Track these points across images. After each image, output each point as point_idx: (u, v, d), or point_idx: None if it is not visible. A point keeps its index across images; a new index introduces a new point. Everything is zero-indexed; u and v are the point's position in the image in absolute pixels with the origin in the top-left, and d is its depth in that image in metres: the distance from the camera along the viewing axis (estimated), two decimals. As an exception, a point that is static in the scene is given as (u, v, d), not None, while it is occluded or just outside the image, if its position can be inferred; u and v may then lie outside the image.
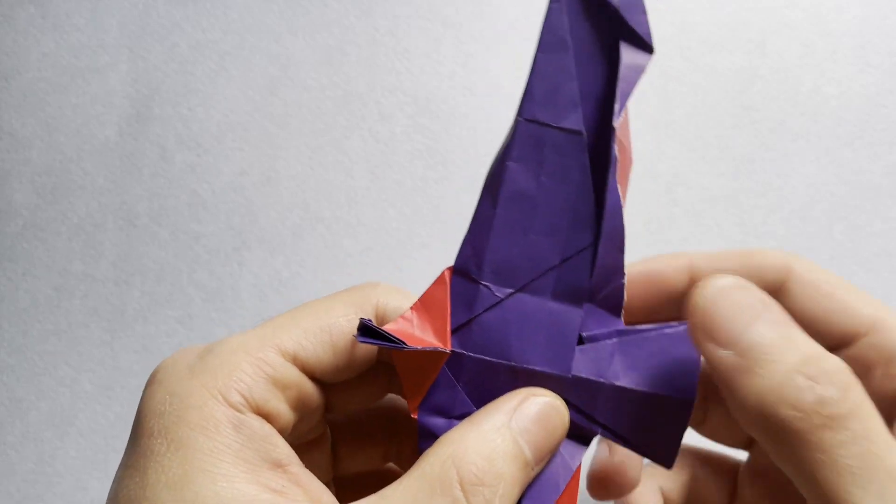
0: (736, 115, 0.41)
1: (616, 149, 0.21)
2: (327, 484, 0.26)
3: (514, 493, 0.19)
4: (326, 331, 0.22)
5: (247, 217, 0.42)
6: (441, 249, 0.41)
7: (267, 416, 0.20)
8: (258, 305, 0.41)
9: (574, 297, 0.22)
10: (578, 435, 0.22)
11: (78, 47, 0.44)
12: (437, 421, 0.22)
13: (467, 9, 0.43)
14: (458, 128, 0.42)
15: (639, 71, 0.21)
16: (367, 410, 0.27)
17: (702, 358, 0.20)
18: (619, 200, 0.21)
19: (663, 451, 0.21)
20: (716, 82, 0.42)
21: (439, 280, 0.22)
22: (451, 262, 0.23)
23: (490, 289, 0.22)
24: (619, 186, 0.21)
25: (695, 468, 0.27)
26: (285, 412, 0.21)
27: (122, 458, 0.20)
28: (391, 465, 0.28)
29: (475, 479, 0.19)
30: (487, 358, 0.22)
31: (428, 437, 0.22)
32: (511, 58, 0.43)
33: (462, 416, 0.22)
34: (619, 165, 0.21)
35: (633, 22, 0.21)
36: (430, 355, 0.21)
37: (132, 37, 0.44)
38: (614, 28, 0.21)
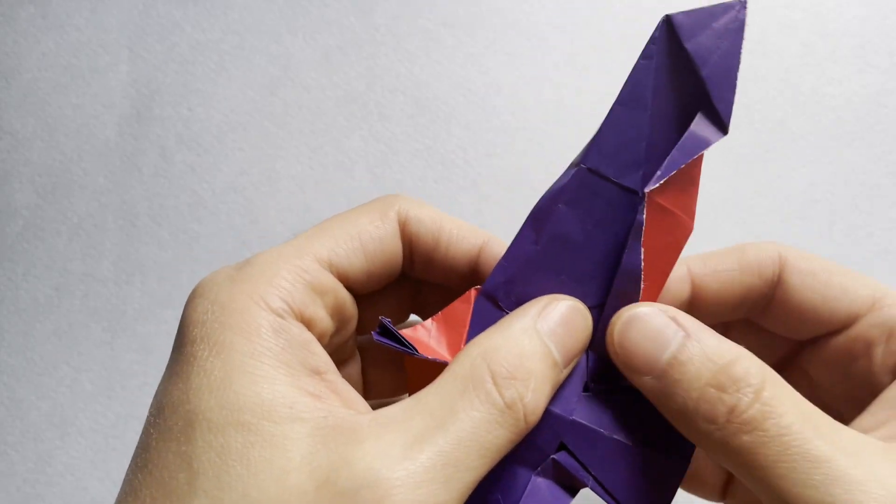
0: (736, 114, 0.41)
1: (644, 214, 0.21)
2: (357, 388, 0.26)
3: (546, 390, 0.20)
4: (356, 237, 0.22)
5: (247, 217, 0.42)
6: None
7: (307, 322, 0.21)
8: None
9: (590, 344, 0.22)
10: (567, 484, 0.22)
11: (78, 47, 0.44)
12: None
13: (467, 9, 0.43)
14: (458, 128, 0.42)
15: (702, 146, 0.21)
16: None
17: None
18: (636, 264, 0.21)
19: None
20: (716, 82, 0.42)
21: (464, 298, 0.23)
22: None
23: None
24: (642, 249, 0.21)
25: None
26: (324, 318, 0.21)
27: (166, 368, 0.20)
28: None
29: (507, 374, 0.19)
30: None
31: None
32: (511, 58, 0.43)
33: None
34: (656, 232, 0.21)
35: (717, 98, 0.21)
36: (438, 365, 0.22)
37: (132, 37, 0.44)
38: (698, 97, 0.21)
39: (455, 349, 0.22)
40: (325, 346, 0.22)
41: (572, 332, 0.21)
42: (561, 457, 0.22)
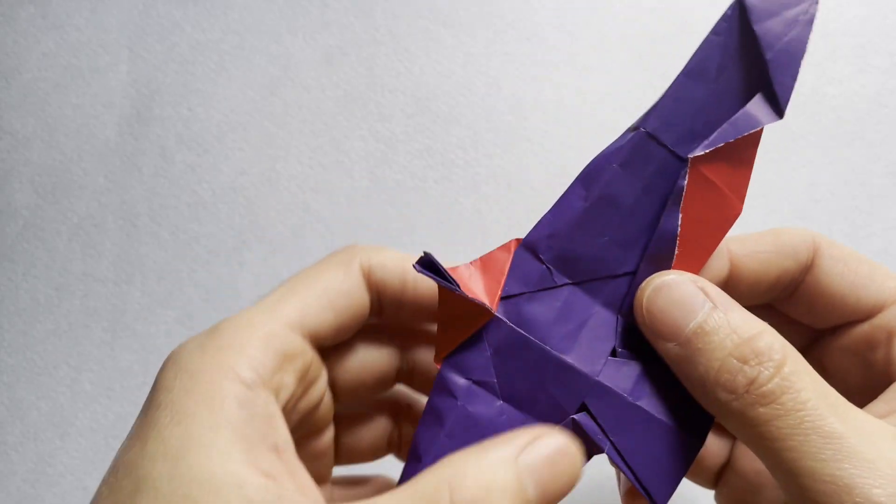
0: (736, 115, 0.41)
1: (686, 180, 0.21)
2: (324, 480, 0.26)
3: None
4: (324, 295, 0.22)
5: (247, 217, 0.42)
6: (441, 249, 0.41)
7: (275, 390, 0.20)
8: (258, 305, 0.41)
9: (620, 309, 0.22)
10: (585, 446, 0.22)
11: (78, 47, 0.44)
12: (457, 379, 0.22)
13: (467, 9, 0.43)
14: (458, 128, 0.42)
15: (755, 125, 0.21)
16: (370, 400, 0.27)
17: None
18: (671, 229, 0.22)
19: (658, 485, 0.21)
20: (716, 82, 0.42)
21: (505, 247, 0.23)
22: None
23: (552, 272, 0.22)
24: (680, 216, 0.22)
25: None
26: (291, 384, 0.21)
27: (131, 428, 0.20)
28: (384, 476, 0.28)
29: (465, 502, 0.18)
30: (526, 334, 0.22)
31: (441, 392, 0.22)
32: (511, 58, 0.43)
33: (480, 384, 0.22)
34: (700, 204, 0.22)
35: (778, 82, 0.21)
36: (475, 309, 0.22)
37: (132, 37, 0.44)
38: (760, 78, 0.21)
39: (492, 295, 0.22)
40: (291, 413, 0.22)
41: (556, 474, 0.20)
42: (581, 417, 0.22)
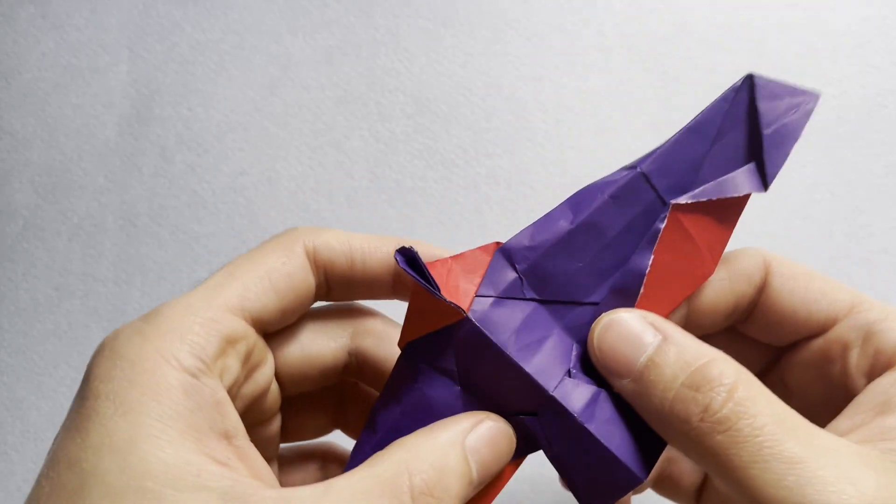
0: (736, 115, 0.41)
1: (664, 223, 0.23)
2: (272, 458, 0.26)
3: None
4: (265, 277, 0.22)
5: (247, 217, 0.42)
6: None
7: (219, 375, 0.20)
8: (258, 305, 0.41)
9: (577, 336, 0.23)
10: (522, 444, 0.23)
11: (78, 47, 0.44)
12: (419, 363, 0.23)
13: (467, 9, 0.43)
14: (458, 128, 0.42)
15: (738, 191, 0.23)
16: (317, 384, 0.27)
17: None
18: (641, 269, 0.23)
19: (592, 500, 0.22)
20: (716, 82, 0.42)
21: (485, 248, 0.23)
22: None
23: (522, 283, 0.23)
24: (651, 257, 0.23)
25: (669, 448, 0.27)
26: (235, 368, 0.21)
27: (65, 420, 0.19)
28: (333, 444, 0.29)
29: (425, 489, 0.19)
30: (490, 337, 0.22)
31: (402, 372, 0.23)
32: (511, 58, 0.43)
33: (441, 370, 0.23)
34: (673, 252, 0.23)
35: (769, 157, 0.23)
36: (447, 309, 0.22)
37: (132, 37, 0.44)
38: (753, 150, 0.23)
39: (467, 296, 0.23)
40: (236, 399, 0.21)
41: (495, 454, 0.21)
42: (529, 420, 0.23)
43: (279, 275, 0.22)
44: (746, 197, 0.23)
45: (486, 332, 0.22)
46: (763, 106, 0.23)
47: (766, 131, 0.23)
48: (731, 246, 0.25)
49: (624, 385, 0.21)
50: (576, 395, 0.22)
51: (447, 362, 0.23)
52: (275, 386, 0.24)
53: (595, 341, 0.22)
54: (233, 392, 0.21)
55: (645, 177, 0.23)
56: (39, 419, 0.42)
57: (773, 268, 0.25)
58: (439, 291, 0.22)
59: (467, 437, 0.21)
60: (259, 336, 0.22)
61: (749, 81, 0.23)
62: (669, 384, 0.20)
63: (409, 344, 0.23)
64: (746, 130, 0.23)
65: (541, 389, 0.22)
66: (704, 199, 0.23)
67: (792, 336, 0.25)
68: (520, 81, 0.42)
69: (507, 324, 0.23)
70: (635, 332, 0.21)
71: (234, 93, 0.43)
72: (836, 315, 0.24)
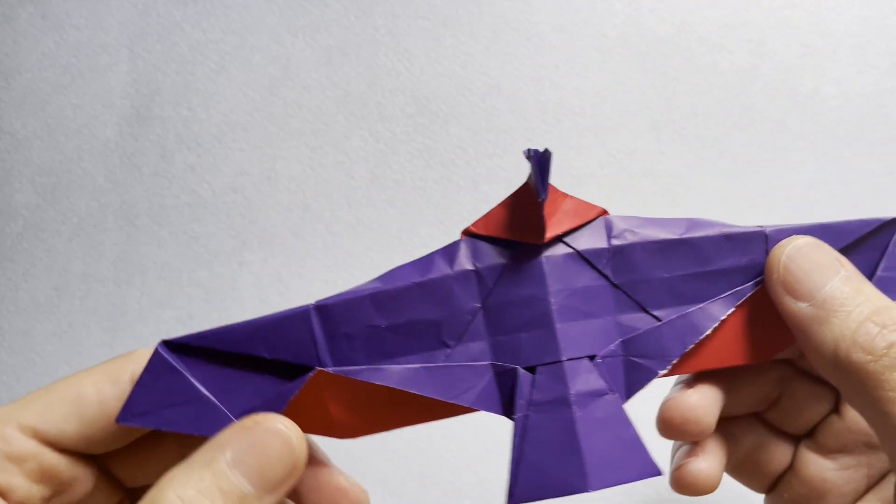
0: (736, 115, 0.41)
1: (752, 291, 0.23)
2: None
3: None
4: (72, 401, 0.22)
5: (247, 217, 0.42)
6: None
7: (2, 491, 0.21)
8: (258, 305, 0.41)
9: (623, 335, 0.23)
10: (505, 398, 0.22)
11: (78, 47, 0.44)
12: (461, 256, 0.23)
13: (467, 9, 0.43)
14: (458, 128, 0.42)
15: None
16: None
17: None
18: (716, 316, 0.23)
19: (523, 488, 0.21)
20: (716, 82, 0.42)
21: (595, 207, 0.23)
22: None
23: (607, 257, 0.23)
24: (730, 311, 0.23)
25: (759, 432, 0.27)
26: (22, 485, 0.21)
27: None
28: None
29: None
30: (547, 279, 0.22)
31: (444, 255, 0.23)
32: (511, 58, 0.43)
33: (479, 278, 0.22)
34: (752, 321, 0.23)
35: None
36: (581, 209, 0.23)
37: (132, 37, 0.44)
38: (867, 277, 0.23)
39: (557, 228, 0.23)
40: None
41: (268, 458, 0.20)
42: (524, 374, 0.22)
43: (88, 402, 0.22)
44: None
45: (546, 272, 0.22)
46: (894, 249, 0.23)
47: (881, 272, 0.23)
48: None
49: (801, 309, 0.21)
50: (585, 378, 0.22)
51: (490, 274, 0.22)
52: (105, 496, 0.24)
53: (783, 258, 0.22)
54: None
55: (766, 238, 0.23)
56: (39, 419, 0.42)
57: None
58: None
59: (226, 451, 0.20)
60: (65, 456, 0.23)
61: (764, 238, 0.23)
62: (855, 315, 0.20)
63: (469, 235, 0.23)
64: (869, 259, 0.23)
65: (556, 351, 0.22)
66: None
67: None
68: (520, 81, 0.42)
69: (569, 280, 0.22)
70: (826, 261, 0.21)
71: (234, 93, 0.43)
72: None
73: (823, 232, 0.23)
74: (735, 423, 0.27)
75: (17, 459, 0.21)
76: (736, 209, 0.40)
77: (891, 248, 0.23)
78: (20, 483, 0.21)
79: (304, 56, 0.43)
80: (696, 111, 0.41)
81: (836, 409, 0.27)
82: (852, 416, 0.26)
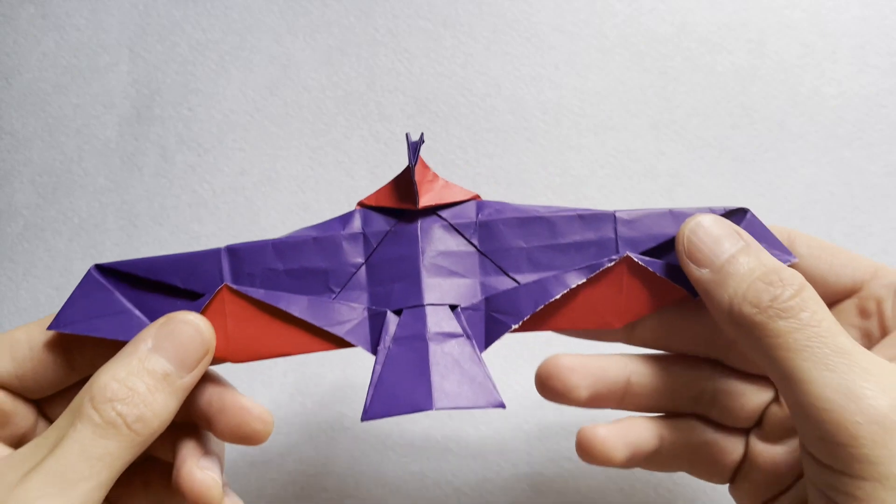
0: (735, 115, 0.41)
1: (609, 265, 0.26)
2: None
3: (158, 400, 0.23)
4: (5, 344, 0.26)
5: (247, 217, 0.42)
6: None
7: None
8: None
9: (486, 294, 0.27)
10: (375, 336, 0.26)
11: (78, 47, 0.44)
12: (354, 225, 0.27)
13: (467, 9, 0.43)
14: (458, 128, 0.42)
15: (679, 283, 0.27)
16: None
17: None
18: (567, 283, 0.26)
19: (377, 408, 0.24)
20: (715, 82, 0.42)
21: (468, 192, 0.28)
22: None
23: (474, 229, 0.27)
24: (582, 280, 0.26)
25: (706, 432, 0.29)
26: None
27: None
28: None
29: (105, 398, 0.22)
30: (419, 240, 0.26)
31: (339, 221, 0.27)
32: (511, 58, 0.43)
33: (365, 240, 0.27)
34: (600, 291, 0.27)
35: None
36: (458, 193, 0.27)
37: (133, 37, 0.44)
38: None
39: (429, 202, 0.27)
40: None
41: (181, 343, 0.24)
42: (391, 315, 0.26)
43: (20, 345, 0.26)
44: (681, 296, 0.26)
45: (419, 235, 0.26)
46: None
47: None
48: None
49: (702, 274, 0.24)
50: (442, 321, 0.26)
51: (375, 237, 0.27)
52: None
53: (687, 232, 0.25)
54: None
55: (615, 219, 0.27)
56: (40, 419, 0.42)
57: (799, 239, 0.27)
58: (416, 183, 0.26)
59: (148, 341, 0.24)
60: (5, 393, 0.26)
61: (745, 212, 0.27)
62: (746, 276, 0.23)
63: (363, 208, 0.27)
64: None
65: (419, 296, 0.26)
66: (652, 270, 0.26)
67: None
68: (520, 81, 0.42)
69: (439, 244, 0.27)
70: (723, 233, 0.25)
71: (234, 93, 0.43)
72: (862, 279, 0.27)
73: (672, 216, 0.27)
74: (672, 422, 0.29)
75: None
76: (736, 209, 0.40)
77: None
78: None
79: (304, 56, 0.43)
80: (696, 111, 0.41)
81: (775, 399, 0.28)
82: None
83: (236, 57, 0.43)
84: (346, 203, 0.42)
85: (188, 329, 0.24)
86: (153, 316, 0.26)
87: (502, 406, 0.24)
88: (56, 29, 0.44)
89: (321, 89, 0.43)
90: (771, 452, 0.28)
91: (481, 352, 0.26)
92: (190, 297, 0.26)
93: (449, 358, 0.25)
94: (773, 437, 0.28)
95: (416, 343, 0.25)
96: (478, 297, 0.26)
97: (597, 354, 0.28)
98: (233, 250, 0.26)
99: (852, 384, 0.21)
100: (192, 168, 0.42)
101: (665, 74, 0.42)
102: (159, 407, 0.23)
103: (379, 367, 0.25)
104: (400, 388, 0.24)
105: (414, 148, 0.26)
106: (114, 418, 0.22)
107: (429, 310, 0.26)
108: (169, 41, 0.44)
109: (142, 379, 0.23)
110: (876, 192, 0.40)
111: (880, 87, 0.41)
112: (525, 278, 0.26)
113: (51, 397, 0.27)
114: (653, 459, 0.28)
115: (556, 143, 0.42)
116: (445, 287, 0.26)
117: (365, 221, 0.27)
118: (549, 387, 0.28)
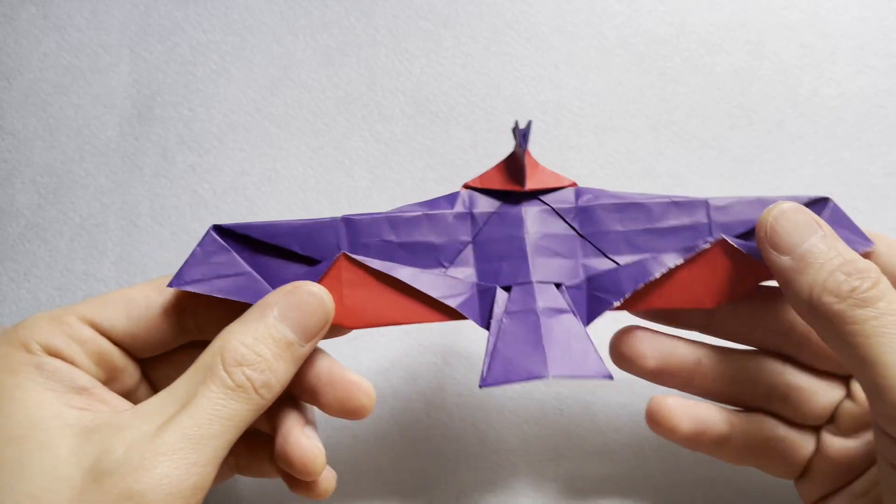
0: (734, 115, 0.41)
1: (705, 247, 0.28)
2: None
3: (281, 367, 0.24)
4: (122, 302, 0.27)
5: (248, 217, 0.42)
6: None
7: (67, 361, 0.25)
8: (259, 305, 0.42)
9: (588, 275, 0.28)
10: (487, 312, 0.27)
11: (79, 48, 0.44)
12: (460, 203, 0.29)
13: (467, 9, 0.43)
14: (458, 128, 0.42)
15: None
16: None
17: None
18: (666, 264, 0.28)
19: (494, 377, 0.26)
20: (714, 83, 0.42)
21: (565, 179, 0.29)
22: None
23: (573, 214, 0.29)
24: (680, 262, 0.28)
25: (777, 428, 0.29)
26: (84, 361, 0.25)
27: None
28: None
29: (235, 361, 0.23)
30: (525, 223, 0.28)
31: (444, 200, 0.29)
32: (511, 58, 0.43)
33: (473, 220, 0.28)
34: (696, 273, 0.28)
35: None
36: (551, 178, 0.29)
37: (133, 37, 0.44)
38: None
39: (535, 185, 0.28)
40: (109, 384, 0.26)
41: (305, 313, 0.25)
42: (501, 292, 0.27)
43: (135, 304, 0.27)
44: (771, 277, 0.27)
45: (524, 218, 0.28)
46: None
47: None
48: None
49: (783, 262, 0.25)
50: (551, 296, 0.27)
51: (481, 217, 0.28)
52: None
53: (770, 219, 0.26)
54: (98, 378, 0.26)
55: (707, 205, 0.28)
56: (41, 418, 0.42)
57: (876, 237, 0.29)
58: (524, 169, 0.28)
59: (274, 308, 0.25)
60: (118, 349, 0.27)
61: (826, 201, 0.28)
62: (827, 266, 0.24)
63: (467, 188, 0.29)
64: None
65: (527, 274, 0.27)
66: (746, 252, 0.27)
67: None
68: (520, 81, 0.43)
69: (543, 226, 0.28)
70: (805, 222, 0.25)
71: (234, 93, 0.43)
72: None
73: (760, 203, 0.28)
74: (744, 415, 0.29)
75: (79, 341, 0.25)
76: (735, 209, 0.40)
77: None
78: (84, 360, 0.25)
79: (304, 56, 0.43)
80: (695, 112, 0.42)
81: (848, 396, 0.28)
82: (864, 398, 0.28)
83: (237, 57, 0.44)
84: (346, 203, 0.42)
85: (313, 300, 0.25)
86: (271, 278, 0.27)
87: (610, 377, 0.25)
88: (57, 29, 0.44)
89: (321, 89, 0.43)
90: (844, 445, 0.28)
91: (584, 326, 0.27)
92: (307, 263, 0.27)
93: (559, 331, 0.26)
94: (848, 432, 0.28)
95: (528, 316, 0.26)
96: (580, 277, 0.28)
97: (670, 335, 0.30)
98: (349, 220, 0.27)
99: None
100: (193, 168, 0.42)
101: (664, 75, 0.42)
102: (282, 373, 0.24)
103: (493, 339, 0.26)
104: (515, 357, 0.25)
105: (523, 134, 0.27)
106: (243, 382, 0.23)
107: (537, 287, 0.27)
108: (170, 42, 0.44)
109: (267, 346, 0.24)
110: (875, 192, 0.40)
111: (879, 88, 0.41)
112: (624, 259, 0.28)
113: (153, 358, 0.28)
114: (722, 446, 0.29)
115: (556, 143, 0.42)
116: (550, 266, 0.27)
117: (471, 202, 0.28)
118: (618, 352, 0.29)
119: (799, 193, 0.30)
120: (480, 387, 0.25)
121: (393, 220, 0.27)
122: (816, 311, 0.24)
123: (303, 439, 0.26)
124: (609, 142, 0.41)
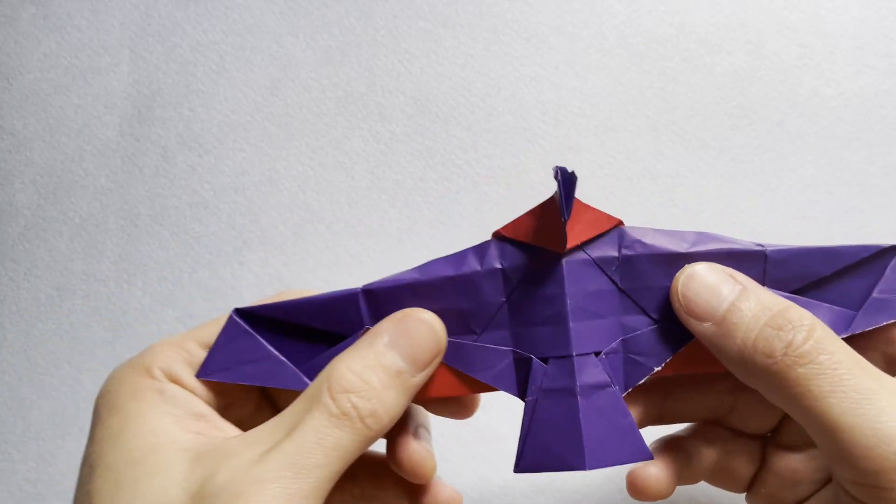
0: (734, 115, 0.41)
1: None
2: None
3: (389, 396, 0.23)
4: None
5: (248, 217, 0.42)
6: (441, 249, 0.41)
7: (187, 389, 0.25)
8: (259, 305, 0.42)
9: (626, 334, 0.26)
10: (521, 383, 0.25)
11: (79, 48, 0.44)
12: (492, 257, 0.26)
13: (467, 10, 0.43)
14: (458, 128, 0.42)
15: (825, 321, 0.24)
16: None
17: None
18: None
19: (528, 462, 0.24)
20: (714, 83, 0.42)
21: (612, 219, 0.25)
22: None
23: (616, 265, 0.25)
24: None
25: (726, 440, 0.29)
26: (200, 388, 0.25)
27: None
28: None
29: (342, 388, 0.22)
30: (565, 281, 0.25)
31: (475, 253, 0.26)
32: (511, 58, 0.43)
33: (506, 278, 0.25)
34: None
35: (860, 316, 0.25)
36: (599, 218, 0.25)
37: (133, 37, 0.44)
38: (861, 301, 0.25)
39: (577, 238, 0.25)
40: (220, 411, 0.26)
41: (416, 341, 0.24)
42: (537, 363, 0.25)
43: None
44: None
45: (565, 275, 0.25)
46: (890, 274, 0.25)
47: (876, 294, 0.25)
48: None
49: (706, 329, 0.23)
50: (590, 372, 0.24)
51: (515, 273, 0.25)
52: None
53: (679, 287, 0.24)
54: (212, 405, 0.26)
55: (765, 257, 0.25)
56: (41, 418, 0.42)
57: None
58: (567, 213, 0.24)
59: (385, 336, 0.24)
60: None
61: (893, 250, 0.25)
62: (752, 324, 0.22)
63: (498, 238, 0.25)
64: (867, 282, 0.25)
65: (567, 346, 0.24)
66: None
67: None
68: (520, 81, 0.43)
69: (584, 284, 0.25)
70: (718, 281, 0.23)
71: (234, 93, 0.43)
72: None
73: (823, 255, 0.25)
74: (693, 438, 0.29)
75: (196, 366, 0.26)
76: (735, 209, 0.40)
77: (888, 272, 0.25)
78: (199, 386, 0.25)
79: (304, 57, 0.43)
80: (695, 112, 0.42)
81: None
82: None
83: (237, 57, 0.44)
84: (346, 203, 0.42)
85: (424, 328, 0.24)
86: (296, 360, 0.26)
87: (650, 457, 0.24)
88: (57, 30, 0.44)
89: (321, 90, 0.43)
90: (788, 459, 0.27)
91: (622, 395, 0.25)
92: (330, 341, 0.26)
93: (598, 412, 0.24)
94: (792, 446, 0.28)
95: (565, 398, 0.24)
96: (617, 338, 0.25)
97: None
98: (369, 292, 0.25)
99: (885, 427, 0.20)
100: (193, 168, 0.42)
101: (664, 75, 0.42)
102: (390, 403, 0.23)
103: (528, 420, 0.24)
104: (551, 445, 0.24)
105: (566, 188, 0.23)
106: (349, 409, 0.22)
107: (577, 361, 0.24)
108: (170, 42, 0.44)
109: (376, 373, 0.23)
110: (875, 192, 0.40)
111: (879, 88, 0.41)
112: (666, 317, 0.25)
113: None
114: (683, 476, 0.28)
115: (556, 143, 0.42)
116: (589, 332, 0.25)
117: (502, 255, 0.25)
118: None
119: (861, 239, 0.28)
120: (514, 471, 0.24)
121: (415, 288, 0.25)
122: (754, 376, 0.22)
123: (412, 442, 0.26)
124: (609, 142, 0.41)
